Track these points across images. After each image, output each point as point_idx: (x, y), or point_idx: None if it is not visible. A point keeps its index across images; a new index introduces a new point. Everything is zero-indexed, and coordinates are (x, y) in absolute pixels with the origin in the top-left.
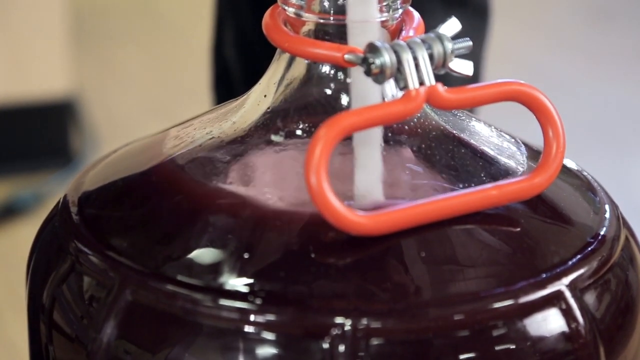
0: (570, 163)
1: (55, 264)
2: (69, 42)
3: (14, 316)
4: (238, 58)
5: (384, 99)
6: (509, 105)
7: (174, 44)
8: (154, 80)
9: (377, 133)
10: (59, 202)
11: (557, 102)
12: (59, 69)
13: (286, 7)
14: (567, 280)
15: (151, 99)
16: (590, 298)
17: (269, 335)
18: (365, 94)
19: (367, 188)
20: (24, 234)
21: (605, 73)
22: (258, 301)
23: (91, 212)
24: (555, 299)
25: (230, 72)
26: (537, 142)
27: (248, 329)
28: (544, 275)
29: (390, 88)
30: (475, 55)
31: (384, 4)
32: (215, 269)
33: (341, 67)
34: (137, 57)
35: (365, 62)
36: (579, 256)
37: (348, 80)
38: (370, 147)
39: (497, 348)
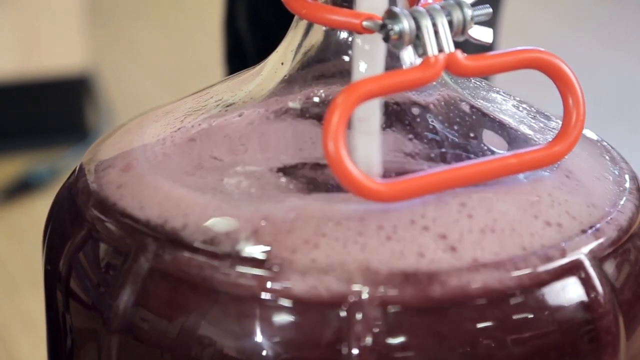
0: (589, 133)
1: (71, 231)
2: (84, 18)
3: (31, 290)
4: (251, 30)
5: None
6: (524, 77)
7: (187, 18)
8: (168, 55)
9: (376, 105)
10: (75, 170)
11: None
12: (75, 44)
13: None
14: (586, 249)
15: (166, 74)
16: (609, 267)
17: (285, 303)
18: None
19: (366, 160)
20: (40, 208)
21: (619, 51)
22: (275, 268)
23: (107, 179)
24: (575, 268)
25: (243, 44)
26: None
27: (265, 296)
28: (563, 244)
29: (409, 55)
30: (491, 24)
31: None
32: (232, 235)
33: (359, 34)
34: (152, 33)
35: (383, 29)
36: (598, 225)
37: (366, 47)
38: (370, 119)
39: (515, 317)
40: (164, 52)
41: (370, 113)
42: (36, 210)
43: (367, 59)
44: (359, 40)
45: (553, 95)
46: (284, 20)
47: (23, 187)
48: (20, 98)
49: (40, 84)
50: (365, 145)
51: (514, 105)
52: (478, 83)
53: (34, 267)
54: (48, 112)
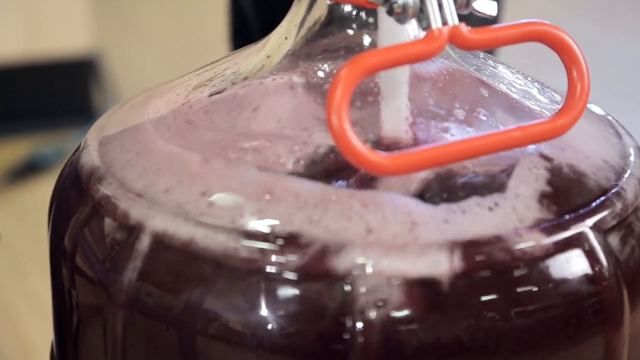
0: (594, 107)
1: (76, 207)
2: (89, 1)
3: (38, 270)
4: (255, 8)
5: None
6: (530, 53)
7: (192, 0)
8: (174, 37)
9: (405, 72)
10: (79, 146)
11: None
12: (81, 27)
13: None
14: (590, 221)
15: (171, 56)
16: (613, 240)
17: (290, 276)
18: (393, 36)
19: (394, 125)
20: (46, 190)
21: (622, 32)
22: (279, 242)
23: (112, 154)
24: (579, 241)
25: (248, 23)
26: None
27: (269, 269)
28: (567, 217)
29: (413, 28)
30: None
31: None
32: (236, 210)
33: (363, 7)
34: (157, 15)
35: (387, 2)
36: (602, 198)
37: (370, 20)
38: (397, 86)
39: (519, 290)
40: (169, 34)
41: (399, 85)
42: (42, 192)
43: (392, 38)
44: (384, 17)
45: (559, 71)
46: None
47: (29, 169)
48: (27, 80)
49: (46, 66)
50: (393, 116)
51: (518, 79)
52: (483, 57)
53: (40, 247)
54: (54, 94)
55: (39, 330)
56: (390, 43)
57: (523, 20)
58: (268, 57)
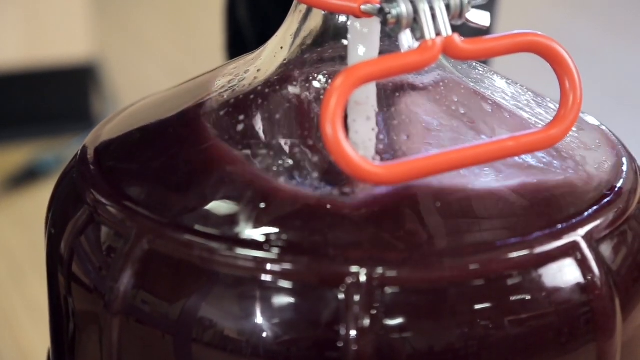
0: (588, 117)
1: (73, 215)
2: (89, 7)
3: (38, 276)
4: (251, 19)
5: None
6: (523, 63)
7: (191, 6)
8: (173, 43)
9: (373, 89)
10: (77, 154)
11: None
12: (80, 33)
13: None
14: (582, 231)
15: (171, 62)
16: (606, 250)
17: (285, 284)
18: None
19: (361, 143)
20: (46, 196)
21: (621, 37)
22: (274, 250)
23: (109, 163)
24: (571, 250)
25: (243, 33)
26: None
27: (264, 278)
28: (559, 226)
29: (407, 39)
30: (488, 8)
31: None
32: (231, 218)
33: (358, 17)
34: (156, 21)
35: (381, 13)
36: (595, 207)
37: (364, 30)
38: (367, 103)
39: (512, 298)
40: (168, 40)
41: (368, 96)
42: (42, 198)
43: (364, 42)
44: (357, 23)
45: (555, 80)
46: (283, 8)
47: (29, 175)
48: (27, 86)
49: (46, 73)
50: (363, 128)
51: (513, 89)
52: (479, 68)
53: (40, 254)
54: (54, 100)
55: (38, 336)
56: (362, 55)
57: (516, 31)
58: (264, 66)
